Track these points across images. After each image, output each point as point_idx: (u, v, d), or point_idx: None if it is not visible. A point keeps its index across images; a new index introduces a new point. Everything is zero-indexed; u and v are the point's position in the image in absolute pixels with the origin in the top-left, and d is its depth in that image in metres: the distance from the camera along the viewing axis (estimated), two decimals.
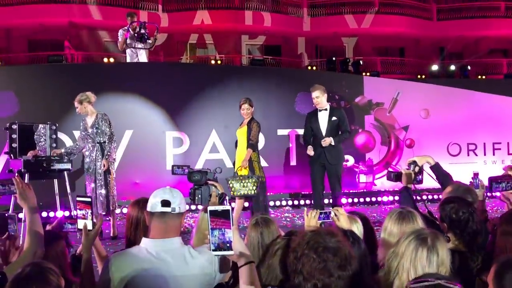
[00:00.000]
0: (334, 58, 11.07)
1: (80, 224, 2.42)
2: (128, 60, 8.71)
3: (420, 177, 3.68)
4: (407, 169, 3.60)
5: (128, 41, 8.32)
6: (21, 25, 17.41)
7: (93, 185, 5.84)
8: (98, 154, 5.87)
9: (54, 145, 6.09)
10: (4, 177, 5.53)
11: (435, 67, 12.56)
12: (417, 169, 3.61)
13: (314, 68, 11.96)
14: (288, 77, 9.46)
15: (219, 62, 12.70)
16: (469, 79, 11.87)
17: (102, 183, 5.85)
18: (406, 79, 11.97)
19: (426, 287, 1.70)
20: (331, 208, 3.11)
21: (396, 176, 3.66)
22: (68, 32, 17.46)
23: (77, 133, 7.80)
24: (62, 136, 7.47)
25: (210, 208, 1.76)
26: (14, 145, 5.89)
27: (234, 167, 6.45)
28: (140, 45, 8.43)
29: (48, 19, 17.12)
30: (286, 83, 9.00)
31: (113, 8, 17.57)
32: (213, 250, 1.75)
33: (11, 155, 5.94)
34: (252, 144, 6.19)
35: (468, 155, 9.96)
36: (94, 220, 2.44)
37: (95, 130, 5.87)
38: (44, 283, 1.90)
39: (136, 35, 8.25)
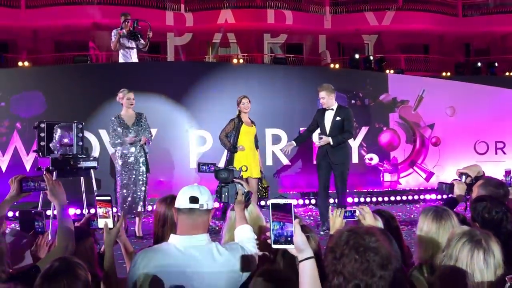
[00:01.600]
0: (357, 56, 10.96)
1: (101, 223, 2.46)
2: (121, 60, 8.62)
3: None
4: (459, 180, 3.46)
5: (122, 40, 8.24)
6: (48, 27, 17.78)
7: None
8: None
9: (80, 143, 6.18)
10: (33, 174, 5.66)
11: (461, 64, 12.32)
12: (468, 179, 3.44)
13: (337, 66, 11.85)
14: (310, 75, 9.41)
15: (241, 61, 12.73)
16: (496, 76, 11.61)
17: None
18: (430, 77, 11.78)
19: None
20: (355, 207, 3.08)
21: (449, 189, 3.47)
22: (92, 32, 17.75)
23: (102, 132, 7.96)
24: (87, 134, 7.59)
25: (272, 201, 1.75)
26: (42, 143, 6.01)
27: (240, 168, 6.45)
28: (133, 44, 8.34)
29: (73, 21, 17.44)
30: (308, 81, 8.95)
31: (136, 8, 17.78)
32: (273, 243, 1.75)
33: (39, 153, 6.06)
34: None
35: (496, 153, 9.73)
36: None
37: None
38: (72, 277, 1.95)
39: (129, 34, 8.16)
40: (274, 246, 1.77)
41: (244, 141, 6.52)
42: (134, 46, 8.43)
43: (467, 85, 9.95)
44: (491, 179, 3.23)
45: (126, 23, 8.19)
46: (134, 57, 8.55)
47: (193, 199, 2.20)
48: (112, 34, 8.38)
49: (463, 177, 3.44)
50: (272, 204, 1.74)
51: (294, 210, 1.75)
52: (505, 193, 3.09)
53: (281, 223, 1.73)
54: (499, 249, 1.98)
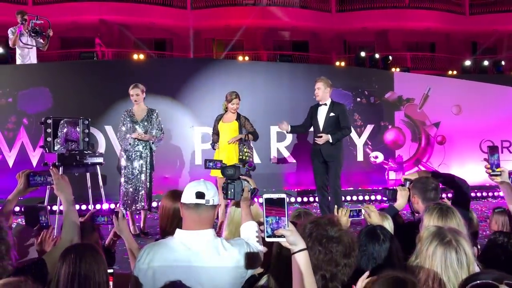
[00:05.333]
0: (363, 54, 10.92)
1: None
2: (18, 62, 8.27)
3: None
4: (402, 186, 3.39)
5: (24, 39, 8.02)
6: (54, 23, 17.80)
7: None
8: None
9: (86, 139, 6.20)
10: (40, 170, 5.69)
11: (467, 63, 12.26)
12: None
13: (343, 63, 11.82)
14: (316, 73, 9.39)
15: (246, 58, 12.71)
16: (503, 74, 11.54)
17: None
18: (436, 75, 11.73)
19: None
20: (361, 205, 3.09)
21: (392, 194, 3.39)
22: (99, 29, 17.81)
23: (108, 128, 7.99)
24: (93, 130, 7.62)
25: (265, 196, 1.77)
26: (49, 139, 6.03)
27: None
28: (32, 42, 8.13)
29: (79, 17, 17.52)
30: (314, 79, 8.92)
31: (142, 5, 17.82)
32: (267, 237, 1.77)
33: (46, 148, 6.09)
34: (257, 135, 6.32)
35: (502, 152, 9.69)
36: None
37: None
38: (96, 252, 2.10)
39: (31, 30, 7.98)
40: (268, 240, 1.79)
41: (221, 138, 6.27)
42: (34, 44, 8.21)
43: (473, 84, 9.91)
44: (420, 178, 3.25)
45: (24, 21, 8.00)
46: (33, 57, 8.29)
47: (200, 195, 2.21)
48: (8, 32, 8.16)
49: (407, 183, 3.38)
50: (266, 199, 1.77)
51: (286, 204, 1.77)
52: (435, 186, 3.12)
53: (277, 217, 1.76)
54: (468, 244, 1.97)
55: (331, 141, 6.03)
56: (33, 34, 8.02)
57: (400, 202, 3.27)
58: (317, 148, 6.14)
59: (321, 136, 6.06)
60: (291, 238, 1.75)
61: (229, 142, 6.12)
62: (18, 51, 8.24)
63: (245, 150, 6.18)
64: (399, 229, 2.88)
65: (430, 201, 2.92)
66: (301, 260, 1.76)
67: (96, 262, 2.06)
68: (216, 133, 6.39)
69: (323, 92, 6.17)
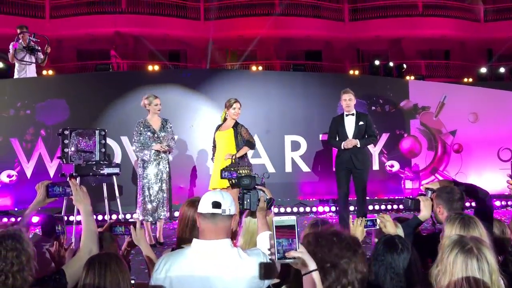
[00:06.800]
0: (377, 62, 10.88)
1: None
2: (15, 75, 8.37)
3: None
4: (424, 196, 3.28)
5: (20, 55, 8.12)
6: (71, 36, 18.18)
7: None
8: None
9: (103, 150, 6.28)
10: (57, 181, 5.75)
11: (483, 70, 12.13)
12: (434, 195, 3.22)
13: (357, 72, 11.79)
14: (329, 82, 9.39)
15: (260, 68, 12.75)
16: None
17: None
18: (452, 83, 11.63)
19: None
20: (376, 215, 3.05)
21: (415, 204, 3.29)
22: (114, 41, 18.07)
23: (124, 138, 8.07)
24: (109, 141, 7.69)
25: (276, 219, 1.80)
26: (66, 150, 6.11)
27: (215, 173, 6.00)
28: (30, 59, 8.23)
29: (95, 30, 17.80)
30: (328, 88, 8.93)
31: (157, 17, 18.04)
32: (279, 259, 1.79)
33: (63, 159, 6.17)
34: (253, 144, 6.11)
35: None
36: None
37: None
38: (120, 261, 2.13)
39: (26, 48, 8.09)
40: (279, 261, 1.81)
41: (218, 147, 6.11)
42: (33, 61, 8.32)
43: (490, 91, 9.79)
44: (445, 187, 3.17)
45: (22, 35, 8.12)
46: (31, 73, 8.38)
47: (216, 204, 2.21)
48: (10, 47, 8.30)
49: (429, 192, 3.28)
50: (276, 225, 1.79)
51: (297, 225, 1.80)
52: (461, 196, 3.05)
53: (289, 239, 1.78)
54: (491, 253, 1.93)
55: (358, 145, 6.20)
56: (28, 51, 8.17)
57: (425, 213, 3.18)
58: (346, 156, 6.22)
59: (349, 141, 6.20)
60: (302, 260, 1.77)
61: (226, 158, 5.89)
62: (16, 65, 8.40)
63: (239, 172, 5.85)
64: (420, 240, 2.85)
65: (456, 211, 2.87)
66: (312, 281, 1.77)
67: (120, 271, 2.08)
68: (215, 145, 6.25)
69: (352, 103, 6.39)
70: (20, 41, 8.19)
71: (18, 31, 8.27)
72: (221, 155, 6.00)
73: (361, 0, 19.67)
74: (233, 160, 5.75)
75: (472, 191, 3.31)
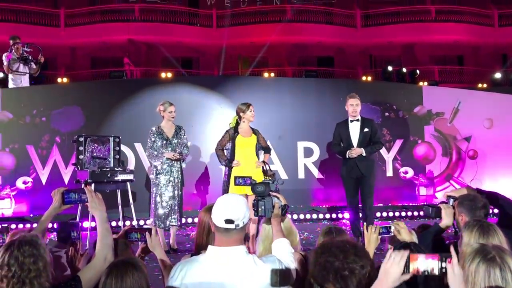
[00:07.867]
0: (390, 68, 10.83)
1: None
2: (10, 85, 8.38)
3: None
4: (446, 203, 3.21)
5: (14, 65, 8.13)
6: (85, 44, 18.42)
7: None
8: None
9: (117, 156, 6.32)
10: (72, 187, 5.80)
11: (498, 75, 12.00)
12: (456, 203, 3.14)
13: (369, 78, 11.75)
14: (342, 88, 9.36)
15: (272, 74, 12.76)
16: None
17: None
18: (466, 88, 11.51)
19: None
20: (390, 222, 3.02)
21: (436, 213, 3.24)
22: (127, 49, 18.26)
23: (138, 145, 8.12)
24: (123, 148, 7.75)
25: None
26: (81, 156, 6.17)
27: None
28: (24, 69, 8.23)
29: (108, 37, 18.01)
30: (341, 94, 8.90)
31: (169, 25, 18.20)
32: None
33: (78, 166, 6.23)
34: (270, 150, 6.12)
35: None
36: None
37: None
38: (137, 266, 2.15)
39: (19, 58, 8.10)
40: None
41: (241, 153, 5.83)
42: (27, 71, 8.33)
43: (505, 97, 9.68)
44: (468, 195, 3.11)
45: (16, 46, 8.15)
46: (25, 83, 8.39)
47: (228, 221, 2.20)
48: (3, 58, 8.33)
49: (451, 200, 3.21)
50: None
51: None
52: (484, 204, 2.99)
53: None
54: None
55: (364, 154, 6.03)
56: (22, 62, 8.21)
57: (446, 221, 3.12)
58: (351, 163, 6.07)
59: (354, 149, 6.05)
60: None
61: (257, 166, 5.76)
62: (10, 76, 8.43)
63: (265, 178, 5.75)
64: (443, 249, 2.80)
65: None
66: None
67: (140, 277, 2.08)
68: (222, 149, 6.00)
69: (359, 108, 6.21)
70: (13, 51, 8.25)
71: (11, 42, 8.32)
72: (248, 161, 5.79)
73: (373, 6, 19.62)
74: (265, 168, 5.71)
75: (494, 199, 3.24)
